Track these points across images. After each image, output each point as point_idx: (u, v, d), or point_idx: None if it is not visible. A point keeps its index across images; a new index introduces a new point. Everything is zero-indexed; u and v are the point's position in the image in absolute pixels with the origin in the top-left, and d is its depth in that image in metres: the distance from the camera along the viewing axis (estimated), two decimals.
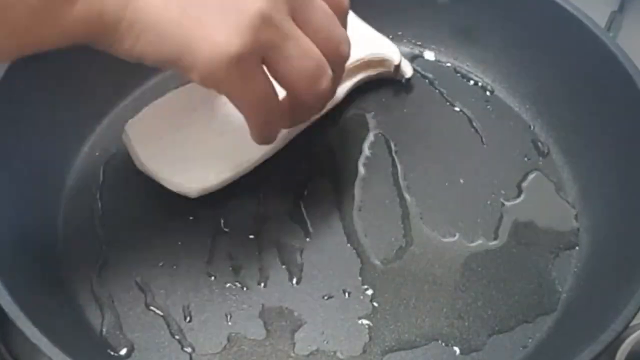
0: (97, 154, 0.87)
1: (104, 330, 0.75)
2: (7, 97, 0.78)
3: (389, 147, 0.89)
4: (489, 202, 0.85)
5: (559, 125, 0.90)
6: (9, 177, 0.77)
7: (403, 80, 0.93)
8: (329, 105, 0.85)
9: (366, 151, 0.89)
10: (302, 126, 0.85)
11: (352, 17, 0.92)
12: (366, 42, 0.91)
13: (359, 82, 0.92)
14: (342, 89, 0.89)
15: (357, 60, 0.90)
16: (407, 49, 0.99)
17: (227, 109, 0.82)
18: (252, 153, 0.82)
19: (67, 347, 0.65)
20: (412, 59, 0.98)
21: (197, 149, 0.82)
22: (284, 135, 0.82)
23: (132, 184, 0.83)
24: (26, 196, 0.79)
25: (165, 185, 0.81)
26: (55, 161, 0.85)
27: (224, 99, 0.80)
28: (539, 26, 0.90)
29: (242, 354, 0.74)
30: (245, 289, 0.78)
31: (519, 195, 0.86)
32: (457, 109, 0.94)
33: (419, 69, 0.97)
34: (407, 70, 0.93)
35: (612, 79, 0.82)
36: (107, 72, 0.87)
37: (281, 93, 0.71)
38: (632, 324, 0.68)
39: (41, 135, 0.83)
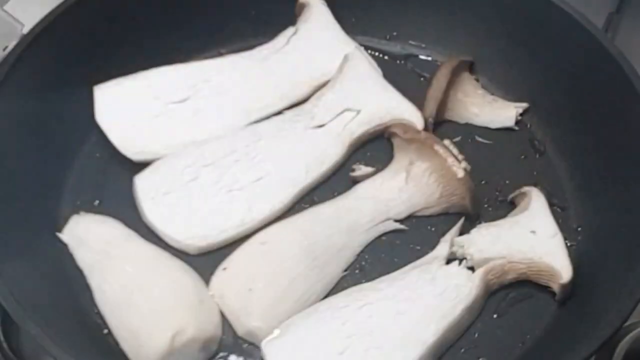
0: (97, 155, 0.88)
1: (108, 329, 0.75)
2: (7, 99, 0.79)
3: (391, 144, 0.89)
4: (486, 199, 0.86)
5: (556, 124, 0.91)
6: (9, 178, 0.78)
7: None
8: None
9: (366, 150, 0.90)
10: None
11: None
12: None
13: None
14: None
15: None
16: (403, 49, 0.99)
17: (238, 166, 0.83)
18: (258, 212, 0.81)
19: (70, 346, 0.66)
20: (409, 58, 0.99)
21: (203, 206, 0.81)
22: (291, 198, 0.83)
23: (131, 185, 0.83)
24: (26, 197, 0.79)
25: (166, 241, 0.80)
26: (55, 162, 0.85)
27: (235, 156, 0.82)
28: (537, 27, 0.90)
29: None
30: None
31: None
32: None
33: (415, 68, 0.98)
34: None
35: (609, 79, 0.83)
36: (106, 74, 0.88)
37: None
38: (630, 322, 0.69)
39: (41, 137, 0.83)
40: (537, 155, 0.91)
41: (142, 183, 0.82)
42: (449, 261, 0.78)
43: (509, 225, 0.81)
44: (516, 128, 0.92)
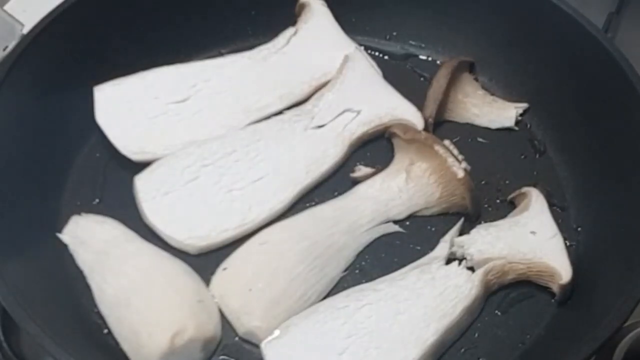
0: (97, 155, 0.88)
1: (108, 329, 0.75)
2: (7, 99, 0.79)
3: (391, 144, 0.89)
4: (486, 199, 0.86)
5: (556, 124, 0.91)
6: (9, 178, 0.78)
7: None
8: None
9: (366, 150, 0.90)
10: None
11: None
12: None
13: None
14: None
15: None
16: (403, 49, 1.00)
17: (238, 166, 0.83)
18: (258, 212, 0.81)
19: (70, 346, 0.65)
20: (408, 58, 0.99)
21: (203, 206, 0.81)
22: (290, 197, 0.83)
23: (131, 185, 0.83)
24: (26, 197, 0.79)
25: (166, 241, 0.80)
26: (55, 162, 0.85)
27: (235, 156, 0.82)
28: (537, 27, 0.90)
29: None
30: None
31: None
32: None
33: (415, 68, 0.98)
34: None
35: (609, 79, 0.83)
36: (106, 74, 0.88)
37: None
38: (630, 322, 0.69)
39: (41, 137, 0.83)
40: (537, 155, 0.91)
41: (142, 183, 0.82)
42: (448, 261, 0.78)
43: (509, 225, 0.81)
44: (516, 128, 0.92)
